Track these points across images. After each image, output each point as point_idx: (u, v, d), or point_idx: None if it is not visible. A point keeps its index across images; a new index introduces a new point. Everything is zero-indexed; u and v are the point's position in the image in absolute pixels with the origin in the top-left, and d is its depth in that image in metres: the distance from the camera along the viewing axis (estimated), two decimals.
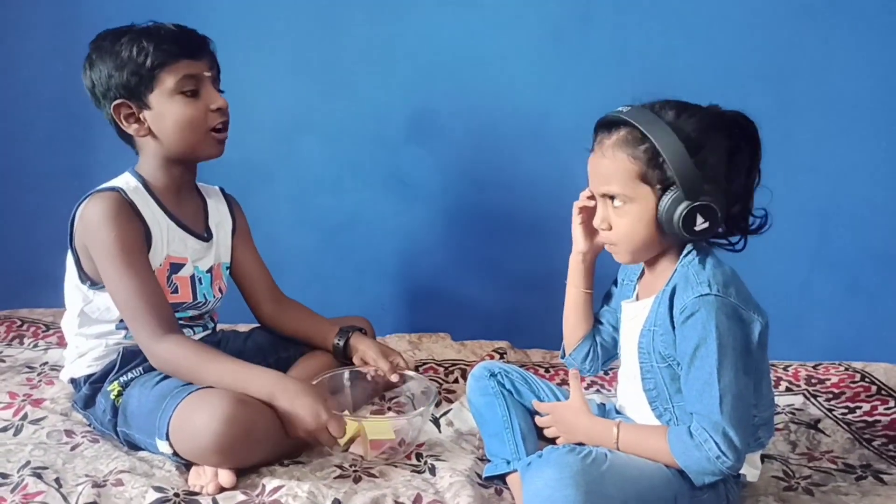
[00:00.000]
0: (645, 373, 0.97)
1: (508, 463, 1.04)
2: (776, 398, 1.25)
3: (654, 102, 0.93)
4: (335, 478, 1.05)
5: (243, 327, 1.43)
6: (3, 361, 1.43)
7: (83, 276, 1.16)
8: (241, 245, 1.34)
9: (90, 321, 1.18)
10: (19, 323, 1.63)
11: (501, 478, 1.05)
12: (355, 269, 1.75)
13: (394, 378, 1.23)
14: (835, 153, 1.55)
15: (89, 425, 1.19)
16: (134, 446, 1.12)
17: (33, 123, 1.78)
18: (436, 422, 1.23)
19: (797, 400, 1.34)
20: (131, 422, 1.11)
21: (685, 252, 0.95)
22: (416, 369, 1.46)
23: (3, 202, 1.83)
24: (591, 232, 1.05)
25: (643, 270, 1.03)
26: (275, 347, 1.34)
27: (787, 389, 1.39)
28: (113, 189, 1.15)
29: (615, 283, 1.10)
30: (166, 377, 1.12)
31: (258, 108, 1.64)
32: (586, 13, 1.57)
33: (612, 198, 0.94)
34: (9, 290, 1.77)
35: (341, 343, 1.29)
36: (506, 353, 1.54)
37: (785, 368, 1.46)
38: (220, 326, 1.37)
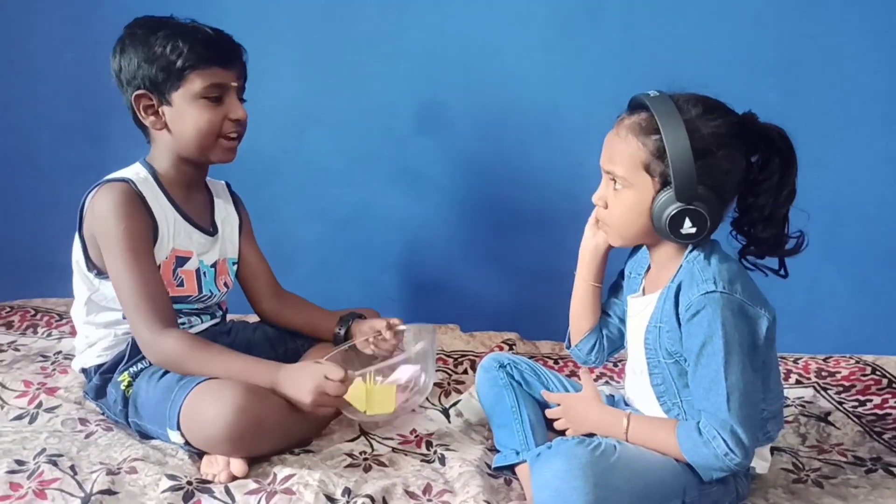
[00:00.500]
0: (652, 368, 0.97)
1: (518, 454, 1.04)
2: (786, 391, 1.25)
3: (685, 95, 0.91)
4: (346, 466, 1.06)
5: (253, 318, 1.43)
6: (18, 350, 1.45)
7: (90, 265, 1.17)
8: (245, 242, 1.34)
9: (98, 308, 1.19)
10: (33, 312, 1.65)
11: (511, 468, 1.05)
12: (364, 260, 1.76)
13: (388, 335, 1.21)
14: (844, 148, 1.54)
15: (102, 414, 1.20)
16: (146, 436, 1.13)
17: (46, 114, 1.79)
18: (445, 412, 1.24)
19: (807, 393, 1.34)
20: (142, 412, 1.12)
21: (691, 248, 0.94)
22: None
23: (17, 192, 1.84)
24: None
25: (650, 264, 1.03)
26: (283, 338, 1.35)
27: (798, 382, 1.38)
28: (123, 180, 1.16)
29: (622, 275, 1.10)
30: None
31: (267, 100, 1.63)
32: (596, 6, 1.56)
33: (614, 179, 0.94)
34: (23, 279, 1.78)
35: (342, 332, 1.29)
36: (515, 345, 1.54)
37: (795, 361, 1.46)
38: (229, 317, 1.38)
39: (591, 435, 0.99)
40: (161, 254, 1.17)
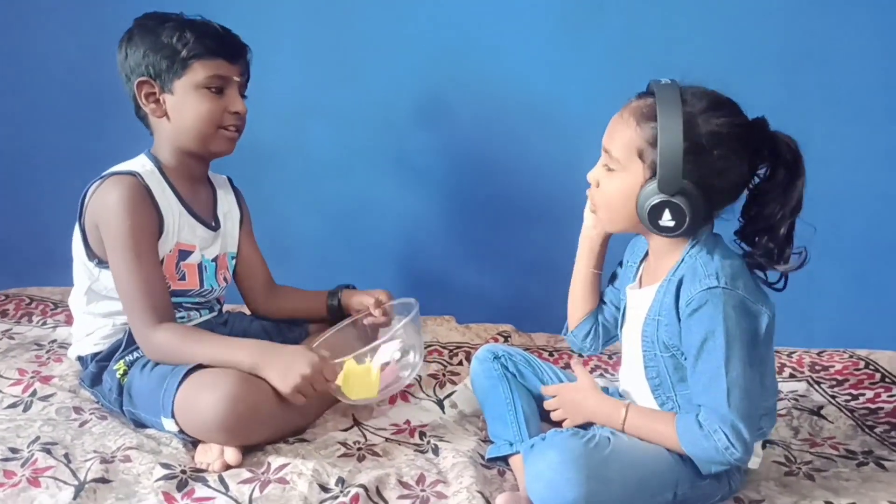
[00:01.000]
0: (648, 361, 0.97)
1: (511, 445, 1.04)
2: (780, 384, 1.25)
3: (697, 88, 0.90)
4: (339, 456, 1.06)
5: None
6: (13, 339, 1.45)
7: (90, 254, 1.16)
8: (244, 237, 1.35)
9: (98, 297, 1.19)
10: (28, 301, 1.64)
11: (504, 459, 1.05)
12: (362, 252, 1.75)
13: (377, 313, 1.24)
14: (844, 142, 1.53)
15: (97, 402, 1.20)
16: (140, 424, 1.13)
17: (43, 104, 1.79)
18: (439, 403, 1.24)
19: (800, 386, 1.34)
20: (136, 401, 1.12)
21: (693, 242, 0.94)
22: None
23: (13, 182, 1.83)
24: None
25: (647, 252, 1.03)
26: (279, 329, 1.35)
27: (791, 376, 1.39)
28: (130, 173, 1.15)
29: (620, 264, 1.10)
30: None
31: (266, 92, 1.63)
32: None
33: (609, 160, 0.93)
34: (18, 268, 1.78)
35: (335, 302, 1.31)
36: (510, 337, 1.54)
37: (789, 355, 1.47)
38: (226, 307, 1.38)
39: (585, 427, 0.99)
40: (165, 247, 1.17)
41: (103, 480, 0.96)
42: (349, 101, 1.68)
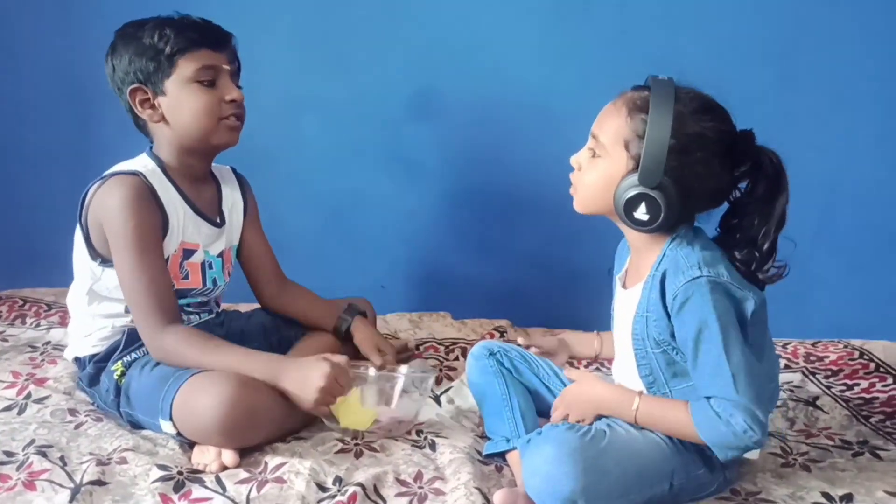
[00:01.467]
0: (640, 359, 0.97)
1: (508, 441, 1.05)
2: None
3: (691, 90, 0.91)
4: (336, 452, 1.06)
5: (245, 307, 1.43)
6: (6, 341, 1.44)
7: (93, 253, 1.15)
8: (250, 227, 1.33)
9: (99, 298, 1.18)
10: (21, 303, 1.63)
11: (501, 455, 1.06)
12: (356, 248, 1.75)
13: (374, 366, 1.25)
14: (837, 130, 1.54)
15: (93, 404, 1.20)
16: (137, 426, 1.13)
17: (35, 103, 1.77)
18: (436, 399, 1.24)
19: (796, 377, 1.35)
20: (134, 402, 1.12)
21: (673, 236, 0.94)
22: (417, 348, 1.47)
23: (4, 183, 1.82)
24: None
25: (630, 254, 1.03)
26: (277, 327, 1.34)
27: (786, 367, 1.39)
28: (133, 173, 1.14)
29: (610, 271, 1.09)
30: None
31: (259, 87, 1.62)
32: None
33: (595, 146, 0.94)
34: (11, 270, 1.77)
35: (343, 327, 1.33)
36: (506, 332, 1.54)
37: (784, 346, 1.47)
38: (222, 306, 1.37)
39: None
40: (170, 247, 1.17)
41: (99, 483, 0.96)
42: (342, 95, 1.67)
